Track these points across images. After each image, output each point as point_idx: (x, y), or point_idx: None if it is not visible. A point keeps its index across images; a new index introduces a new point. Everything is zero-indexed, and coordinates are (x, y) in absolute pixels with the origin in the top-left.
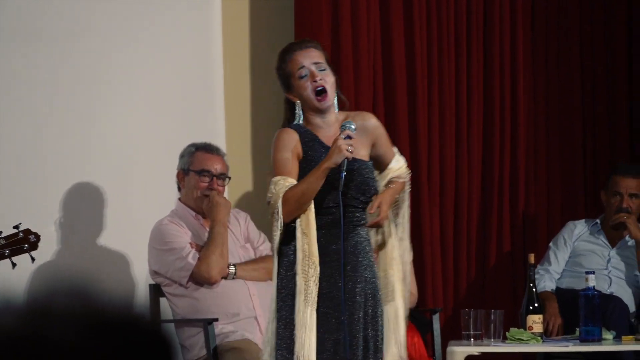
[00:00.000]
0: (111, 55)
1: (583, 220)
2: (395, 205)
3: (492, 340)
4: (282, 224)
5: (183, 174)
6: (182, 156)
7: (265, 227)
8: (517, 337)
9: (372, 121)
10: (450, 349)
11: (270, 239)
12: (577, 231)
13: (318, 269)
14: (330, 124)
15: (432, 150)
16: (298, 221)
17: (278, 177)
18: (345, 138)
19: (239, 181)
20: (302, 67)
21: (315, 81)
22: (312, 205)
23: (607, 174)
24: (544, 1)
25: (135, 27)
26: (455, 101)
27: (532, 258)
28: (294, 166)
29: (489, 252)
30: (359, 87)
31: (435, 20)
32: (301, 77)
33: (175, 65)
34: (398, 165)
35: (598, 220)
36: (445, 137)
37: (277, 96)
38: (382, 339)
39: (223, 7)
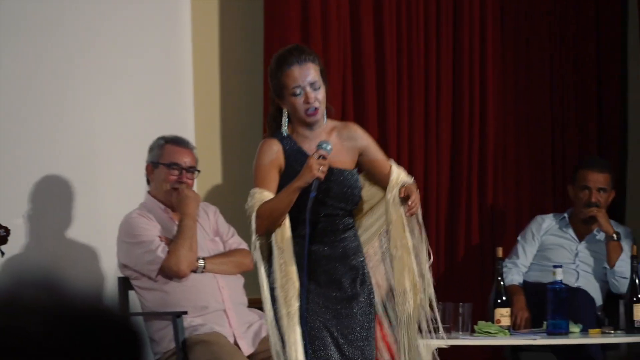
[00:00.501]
0: (81, 50)
1: (551, 215)
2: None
3: (461, 333)
4: (257, 237)
5: (152, 167)
6: (151, 149)
7: (234, 220)
8: (485, 330)
9: (359, 132)
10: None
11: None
12: (545, 225)
13: (297, 284)
14: (317, 135)
15: (401, 145)
16: (273, 235)
17: (255, 190)
18: (318, 158)
19: (209, 175)
20: (298, 86)
21: (308, 102)
22: (287, 220)
23: (581, 170)
24: None
25: (105, 23)
26: (425, 96)
27: (500, 252)
28: (273, 179)
29: (458, 245)
30: (328, 84)
31: (404, 18)
32: (294, 95)
33: (145, 59)
34: (397, 175)
35: (566, 215)
36: (414, 132)
37: (246, 90)
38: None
39: (193, 3)
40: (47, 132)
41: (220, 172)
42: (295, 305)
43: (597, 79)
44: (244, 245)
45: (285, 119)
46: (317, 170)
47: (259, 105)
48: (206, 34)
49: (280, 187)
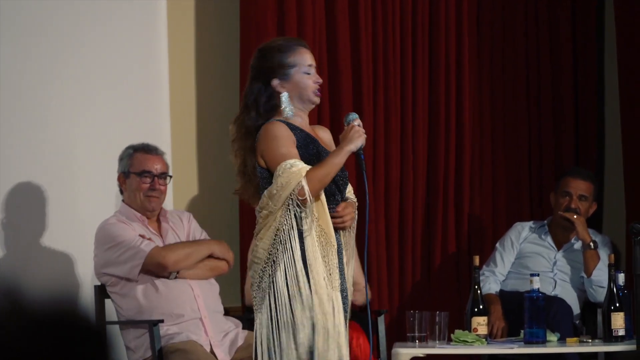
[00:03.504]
0: (56, 55)
1: (530, 222)
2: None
3: (437, 342)
4: (308, 202)
5: (124, 177)
6: (121, 159)
7: (209, 226)
8: (462, 339)
9: (329, 135)
10: (395, 350)
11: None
12: (524, 233)
13: (336, 251)
14: (305, 123)
15: (377, 151)
16: (308, 208)
17: (290, 161)
18: (359, 125)
19: (184, 181)
20: (311, 65)
21: (317, 82)
22: (323, 195)
23: (553, 177)
24: (489, 5)
25: (80, 26)
26: (401, 102)
27: (477, 260)
28: (296, 152)
29: (434, 253)
30: None
31: (380, 23)
32: (306, 73)
33: (121, 65)
34: (350, 188)
35: (545, 223)
36: (390, 139)
37: (223, 95)
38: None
39: (168, 6)
40: (22, 139)
41: (196, 178)
42: (336, 276)
43: (574, 87)
44: None
45: (288, 103)
46: (363, 134)
47: (236, 111)
48: (182, 40)
49: None
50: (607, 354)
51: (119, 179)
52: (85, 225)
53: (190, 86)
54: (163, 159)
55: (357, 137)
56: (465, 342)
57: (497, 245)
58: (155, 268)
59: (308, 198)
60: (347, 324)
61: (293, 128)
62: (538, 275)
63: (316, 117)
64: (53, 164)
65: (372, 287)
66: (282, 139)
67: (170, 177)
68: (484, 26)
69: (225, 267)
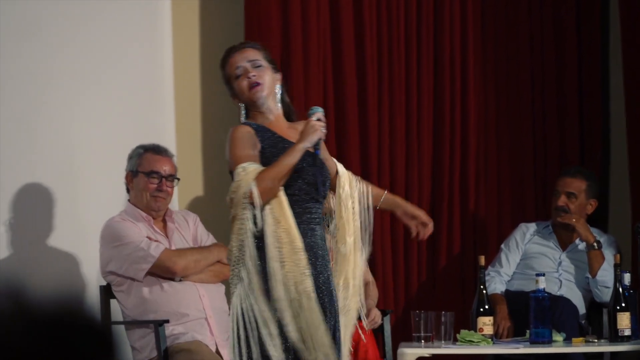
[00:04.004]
0: (60, 55)
1: (535, 223)
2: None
3: (443, 342)
4: (258, 204)
5: (132, 175)
6: (130, 158)
7: (215, 228)
8: (467, 338)
9: None
10: (400, 350)
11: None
12: (529, 233)
13: (304, 254)
14: (276, 119)
15: (382, 151)
16: (268, 209)
17: (243, 164)
18: (317, 120)
19: (190, 182)
20: (238, 67)
21: (248, 77)
22: (283, 194)
23: (558, 177)
24: (493, 4)
25: (85, 26)
26: (406, 102)
27: (482, 260)
28: (255, 155)
29: (440, 254)
30: (308, 87)
31: (385, 21)
32: (237, 77)
33: (125, 65)
34: (345, 172)
35: (549, 223)
36: (395, 138)
37: (227, 96)
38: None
39: (173, 7)
40: (27, 140)
41: (201, 180)
42: (308, 276)
43: (579, 86)
44: None
45: (243, 114)
46: (319, 129)
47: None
48: (187, 40)
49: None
50: (612, 354)
51: (126, 177)
52: (91, 225)
53: (195, 86)
54: (172, 161)
55: (312, 133)
56: (471, 342)
57: (502, 246)
58: (164, 272)
59: (256, 200)
60: (339, 327)
61: (259, 129)
62: (544, 275)
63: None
64: (58, 165)
65: (378, 287)
66: (238, 140)
67: (178, 179)
68: (488, 25)
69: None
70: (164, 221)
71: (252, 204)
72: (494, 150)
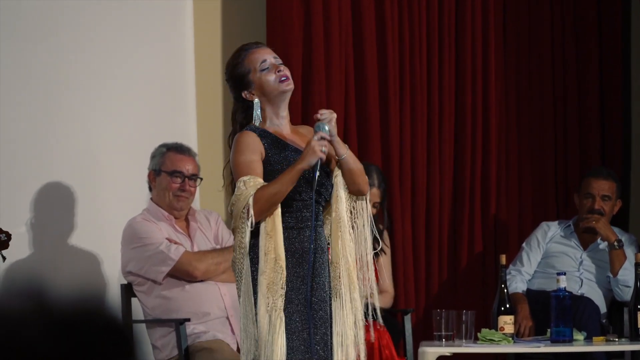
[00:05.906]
0: (81, 54)
1: (556, 222)
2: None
3: (464, 340)
4: (252, 224)
5: (154, 174)
6: (153, 156)
7: None
8: (488, 337)
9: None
10: (422, 349)
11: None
12: (551, 232)
13: (285, 273)
14: (285, 123)
15: (404, 152)
16: (263, 223)
17: (247, 177)
18: (319, 139)
19: (211, 181)
20: (265, 60)
21: (279, 71)
22: (279, 208)
23: (578, 176)
24: (515, 6)
25: (106, 26)
26: (427, 102)
27: (503, 259)
28: (258, 167)
29: (461, 253)
30: (330, 86)
31: (407, 21)
32: (263, 70)
33: (147, 64)
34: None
35: (571, 222)
36: (416, 139)
37: None
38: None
39: (195, 7)
40: (50, 139)
41: (222, 179)
42: (280, 295)
43: (600, 87)
44: None
45: (257, 112)
46: (319, 150)
47: None
48: (208, 39)
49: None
50: (633, 352)
51: (149, 175)
52: (112, 224)
53: (216, 86)
54: (195, 160)
55: (310, 155)
56: (491, 340)
57: (524, 245)
58: (184, 275)
59: (252, 219)
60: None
61: (263, 134)
62: (565, 274)
63: (342, 122)
64: (80, 165)
65: (399, 287)
66: (243, 146)
67: (201, 179)
68: (510, 27)
69: None
70: (187, 220)
71: (247, 221)
72: (515, 150)
